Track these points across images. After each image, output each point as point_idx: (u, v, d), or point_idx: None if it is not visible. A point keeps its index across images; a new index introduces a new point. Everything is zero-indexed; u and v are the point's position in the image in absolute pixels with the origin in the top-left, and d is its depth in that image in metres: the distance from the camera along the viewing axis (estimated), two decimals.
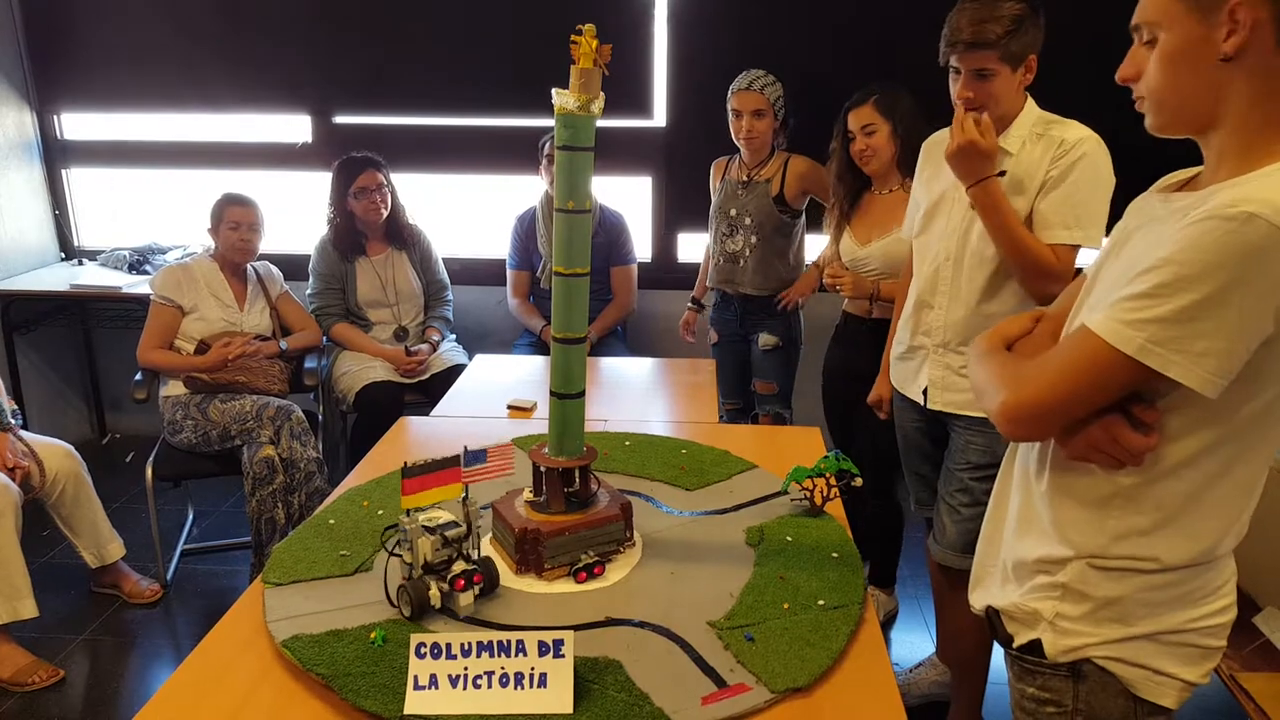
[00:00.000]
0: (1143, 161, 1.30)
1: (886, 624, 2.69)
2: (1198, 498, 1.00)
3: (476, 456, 1.38)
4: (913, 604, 2.79)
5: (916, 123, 2.39)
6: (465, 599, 1.29)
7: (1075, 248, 1.76)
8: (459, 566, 1.30)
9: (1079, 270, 1.48)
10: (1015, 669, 1.16)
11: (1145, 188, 1.14)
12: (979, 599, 1.22)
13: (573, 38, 1.30)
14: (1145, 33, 0.99)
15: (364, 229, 3.20)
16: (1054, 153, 1.75)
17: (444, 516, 1.35)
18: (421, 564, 1.30)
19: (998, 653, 1.25)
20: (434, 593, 1.28)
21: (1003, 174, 1.78)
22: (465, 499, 1.34)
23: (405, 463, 1.28)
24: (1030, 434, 1.08)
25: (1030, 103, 1.82)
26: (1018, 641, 1.12)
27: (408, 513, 1.30)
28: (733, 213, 2.82)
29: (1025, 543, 1.12)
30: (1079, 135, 1.75)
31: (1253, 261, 0.87)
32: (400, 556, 1.31)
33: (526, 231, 3.31)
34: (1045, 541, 1.09)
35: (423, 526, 1.30)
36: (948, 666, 2.31)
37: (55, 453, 2.60)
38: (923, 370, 1.98)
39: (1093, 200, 1.74)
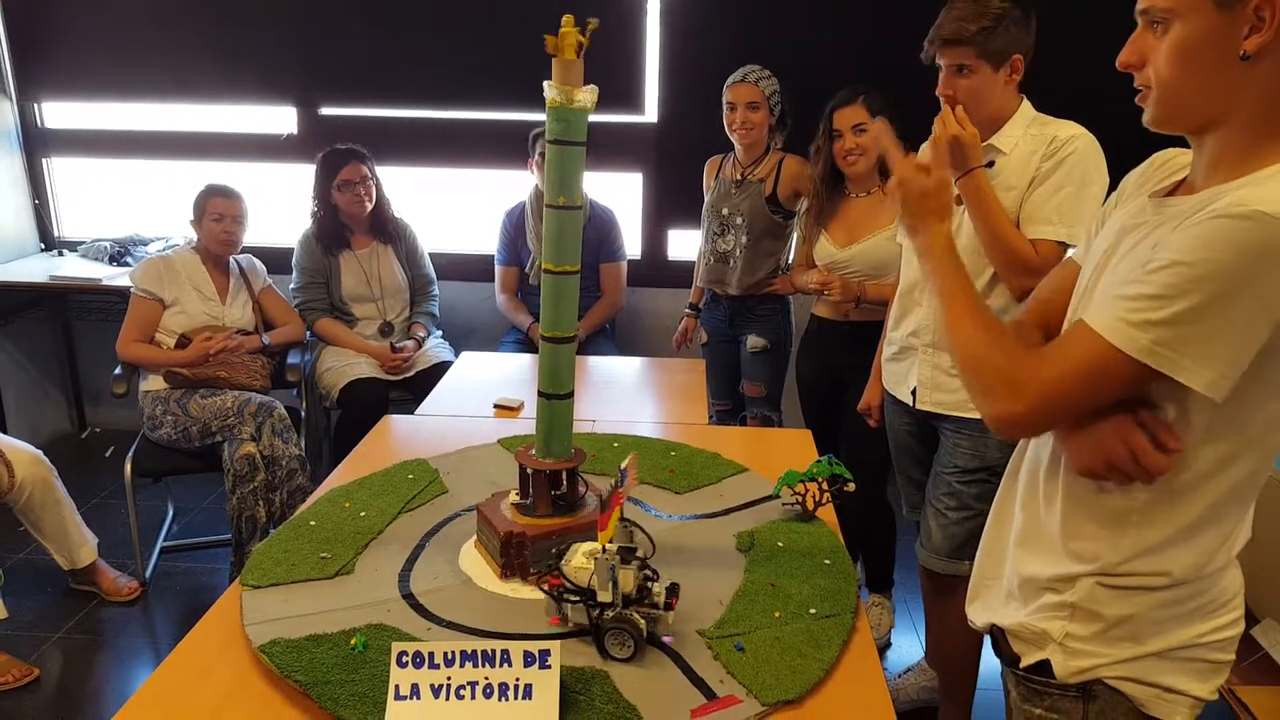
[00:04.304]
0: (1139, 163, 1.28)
1: (891, 641, 2.66)
2: (1212, 510, 0.98)
3: (623, 476, 1.29)
4: (902, 608, 2.77)
5: (898, 125, 2.38)
6: (670, 618, 1.21)
7: (1060, 245, 1.75)
8: (658, 587, 1.21)
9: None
10: (1021, 689, 1.12)
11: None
12: (978, 613, 1.20)
13: (561, 30, 1.27)
14: (1156, 18, 0.93)
15: (348, 222, 3.15)
16: (1044, 150, 1.75)
17: (588, 547, 1.26)
18: (621, 598, 1.19)
19: (987, 658, 1.22)
20: (641, 624, 1.18)
21: (990, 164, 1.77)
22: (623, 518, 1.26)
23: (599, 496, 1.20)
24: (1024, 434, 1.08)
25: (1025, 104, 1.82)
26: (1025, 662, 1.10)
27: (603, 549, 1.20)
28: (725, 212, 2.79)
29: (1032, 560, 1.09)
30: (1070, 133, 1.74)
31: (1265, 261, 0.84)
32: (576, 601, 1.21)
33: (515, 227, 3.27)
34: (1054, 559, 1.06)
35: (619, 557, 1.20)
36: (936, 672, 2.29)
37: (23, 459, 2.54)
38: (913, 370, 1.97)
39: (1080, 198, 1.73)
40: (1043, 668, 1.07)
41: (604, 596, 1.19)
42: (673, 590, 1.22)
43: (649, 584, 1.21)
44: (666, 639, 1.21)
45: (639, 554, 1.22)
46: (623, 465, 1.29)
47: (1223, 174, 0.94)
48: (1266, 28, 0.86)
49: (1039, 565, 1.08)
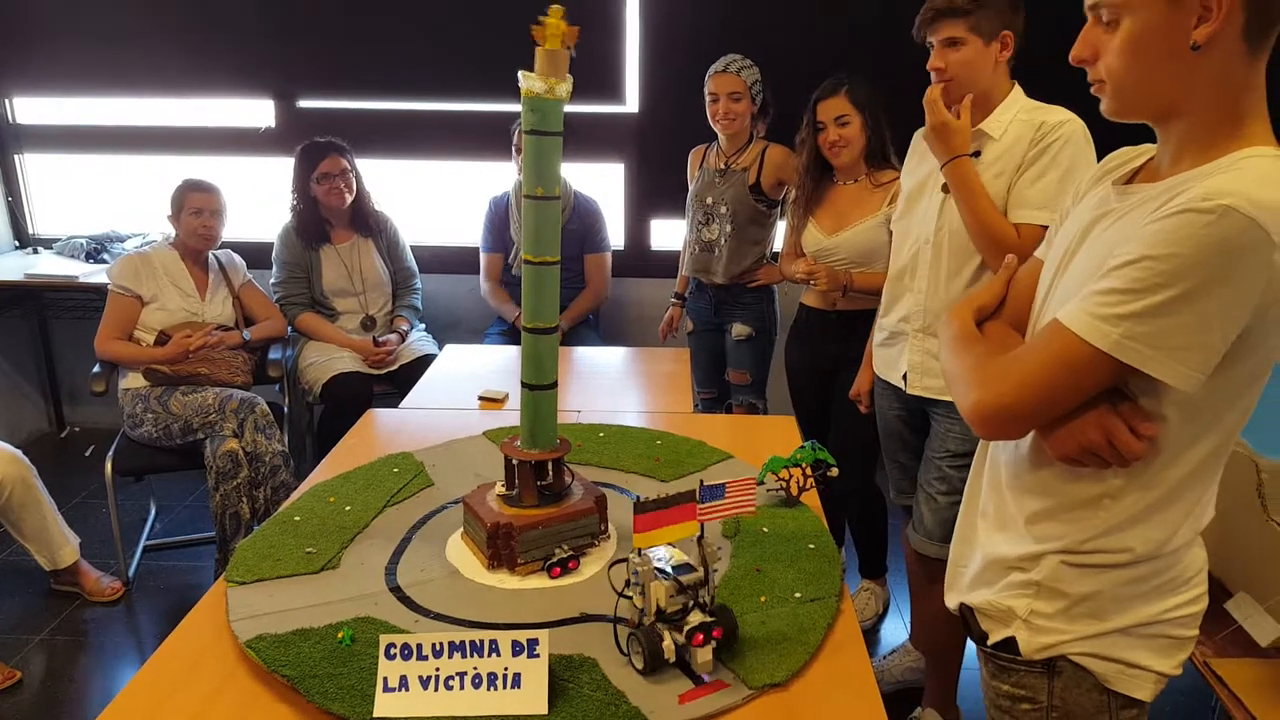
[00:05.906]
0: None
1: (882, 618, 2.68)
2: (1176, 489, 0.99)
3: (714, 491, 1.20)
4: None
5: (884, 114, 2.39)
6: (704, 655, 1.14)
7: (1043, 229, 1.76)
8: (696, 618, 1.14)
9: None
10: (989, 666, 1.14)
11: None
12: (954, 601, 1.21)
13: (540, 18, 1.26)
14: (1105, 13, 0.95)
15: (328, 216, 3.13)
16: (1034, 135, 1.75)
17: (677, 556, 1.20)
18: (654, 611, 1.16)
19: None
20: (668, 644, 1.14)
21: (977, 154, 1.78)
22: (701, 539, 1.17)
23: (638, 498, 1.13)
24: (1005, 434, 1.05)
25: (1017, 89, 1.82)
26: (992, 639, 1.11)
27: (639, 552, 1.15)
28: (709, 201, 2.79)
29: (998, 540, 1.11)
30: (1061, 118, 1.75)
31: (1230, 255, 0.85)
32: (629, 598, 1.18)
33: (500, 215, 3.25)
34: (1019, 539, 1.08)
35: (655, 570, 1.16)
36: (923, 653, 2.31)
37: (1, 458, 2.51)
38: (903, 355, 1.98)
39: (1065, 183, 1.74)
40: (1009, 645, 1.09)
41: (637, 602, 1.17)
42: (705, 628, 1.13)
43: (686, 611, 1.15)
44: (704, 677, 1.14)
45: (683, 578, 1.15)
46: (716, 482, 1.20)
47: (1187, 161, 0.95)
48: (1214, 17, 0.88)
49: (1006, 546, 1.09)
